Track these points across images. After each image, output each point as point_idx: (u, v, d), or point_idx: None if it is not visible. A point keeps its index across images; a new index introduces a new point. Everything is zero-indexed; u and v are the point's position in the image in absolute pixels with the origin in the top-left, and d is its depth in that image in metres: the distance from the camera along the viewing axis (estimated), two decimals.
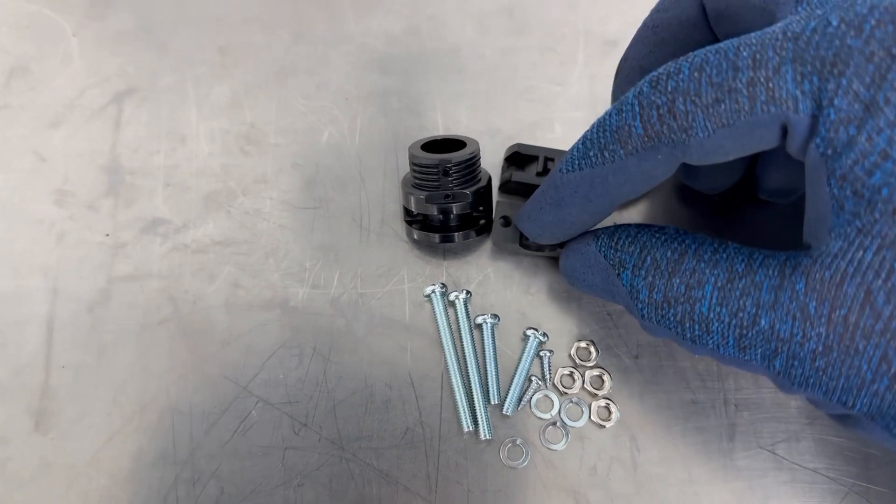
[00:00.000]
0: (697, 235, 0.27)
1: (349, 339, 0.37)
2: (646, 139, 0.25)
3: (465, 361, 0.36)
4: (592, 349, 0.37)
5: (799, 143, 0.23)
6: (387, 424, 0.36)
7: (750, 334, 0.23)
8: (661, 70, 0.25)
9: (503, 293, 0.38)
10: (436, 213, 0.36)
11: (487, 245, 0.39)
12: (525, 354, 0.36)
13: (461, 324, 0.37)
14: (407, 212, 0.38)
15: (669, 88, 0.24)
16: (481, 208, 0.37)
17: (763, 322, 0.23)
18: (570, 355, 0.37)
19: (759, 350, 0.23)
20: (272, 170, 0.41)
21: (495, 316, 0.37)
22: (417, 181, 0.36)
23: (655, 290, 0.26)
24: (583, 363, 0.36)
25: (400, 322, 0.38)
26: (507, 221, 0.37)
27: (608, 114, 0.26)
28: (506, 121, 0.42)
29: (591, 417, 0.36)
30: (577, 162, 0.28)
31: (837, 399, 0.23)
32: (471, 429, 0.35)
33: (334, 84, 0.43)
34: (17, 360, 0.37)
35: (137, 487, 0.35)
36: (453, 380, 0.36)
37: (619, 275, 0.28)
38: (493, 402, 0.36)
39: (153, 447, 0.35)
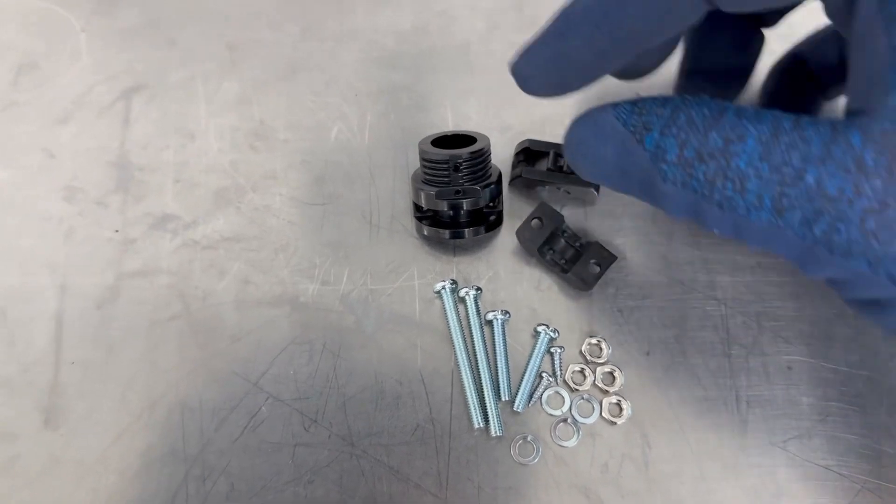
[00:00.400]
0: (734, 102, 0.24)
1: (359, 335, 0.37)
2: None
3: (476, 358, 0.36)
4: (604, 346, 0.36)
5: None
6: (397, 421, 0.36)
7: (792, 193, 0.21)
8: None
9: (514, 289, 0.38)
10: (446, 209, 0.36)
11: (498, 241, 0.39)
12: (536, 351, 0.36)
13: (471, 320, 0.37)
14: (417, 208, 0.38)
15: None
16: (492, 204, 0.37)
17: (809, 177, 0.20)
18: (581, 352, 0.37)
19: (799, 212, 0.21)
20: (281, 166, 0.41)
21: (506, 312, 0.37)
22: (428, 177, 0.36)
23: (687, 146, 0.23)
24: (594, 360, 0.36)
25: (410, 318, 0.37)
26: (540, 222, 0.37)
27: None
28: (516, 117, 0.41)
29: (603, 414, 0.36)
30: None
31: (885, 270, 0.20)
32: (481, 425, 0.35)
33: (343, 80, 0.43)
34: (27, 356, 0.37)
35: (147, 484, 0.35)
36: (464, 376, 0.36)
37: (640, 140, 0.24)
38: (503, 399, 0.36)
39: (162, 444, 0.35)
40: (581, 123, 0.27)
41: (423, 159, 0.36)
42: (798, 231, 0.21)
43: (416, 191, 0.36)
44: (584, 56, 0.26)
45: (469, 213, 0.37)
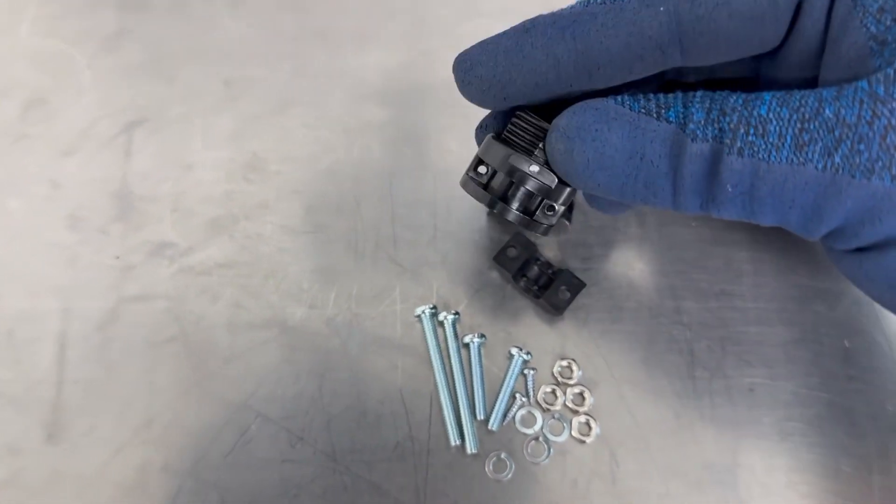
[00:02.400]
0: None
1: (344, 357, 0.39)
2: None
3: (454, 379, 0.38)
4: (574, 367, 0.38)
5: None
6: (378, 438, 0.37)
7: (812, 126, 0.22)
8: None
9: (490, 314, 0.40)
10: (507, 179, 0.30)
11: (476, 268, 0.41)
12: (510, 372, 0.38)
13: (449, 343, 0.39)
14: (477, 164, 0.32)
15: None
16: (550, 211, 0.32)
17: (828, 111, 0.22)
18: (553, 373, 0.39)
19: (820, 143, 0.22)
20: (273, 196, 0.43)
21: (482, 335, 0.39)
22: (510, 137, 0.30)
23: (713, 109, 0.24)
24: (565, 381, 0.38)
25: (392, 341, 0.39)
26: (515, 251, 0.39)
27: None
28: None
29: (573, 433, 0.37)
30: None
31: None
32: (458, 443, 0.37)
33: (333, 115, 0.45)
34: (31, 375, 0.39)
35: (143, 498, 0.36)
36: (442, 396, 0.38)
37: (659, 116, 0.24)
38: (479, 418, 0.37)
39: (158, 459, 0.37)
40: (580, 111, 0.26)
41: (517, 113, 0.30)
42: (818, 163, 0.22)
43: (488, 145, 0.31)
44: (539, 58, 0.26)
45: (525, 199, 0.31)
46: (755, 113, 0.23)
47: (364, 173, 0.43)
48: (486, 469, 0.37)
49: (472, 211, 0.42)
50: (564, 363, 0.38)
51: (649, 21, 0.25)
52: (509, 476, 0.37)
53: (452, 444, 0.37)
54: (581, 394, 0.38)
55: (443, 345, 0.39)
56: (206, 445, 0.37)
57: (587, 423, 0.37)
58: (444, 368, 0.38)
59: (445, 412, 0.37)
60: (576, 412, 0.38)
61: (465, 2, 0.50)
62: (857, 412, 0.38)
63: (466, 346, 0.39)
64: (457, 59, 0.29)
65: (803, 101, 0.22)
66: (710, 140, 0.23)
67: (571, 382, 0.38)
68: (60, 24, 0.48)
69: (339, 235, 0.42)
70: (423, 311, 0.39)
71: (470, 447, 0.37)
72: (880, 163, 0.22)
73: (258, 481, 0.37)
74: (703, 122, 0.23)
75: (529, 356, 0.39)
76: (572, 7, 0.26)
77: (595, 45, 0.25)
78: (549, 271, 0.39)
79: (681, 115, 0.24)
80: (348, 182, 0.43)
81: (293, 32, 0.48)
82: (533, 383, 0.38)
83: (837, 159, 0.22)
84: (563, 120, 0.26)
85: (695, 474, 0.37)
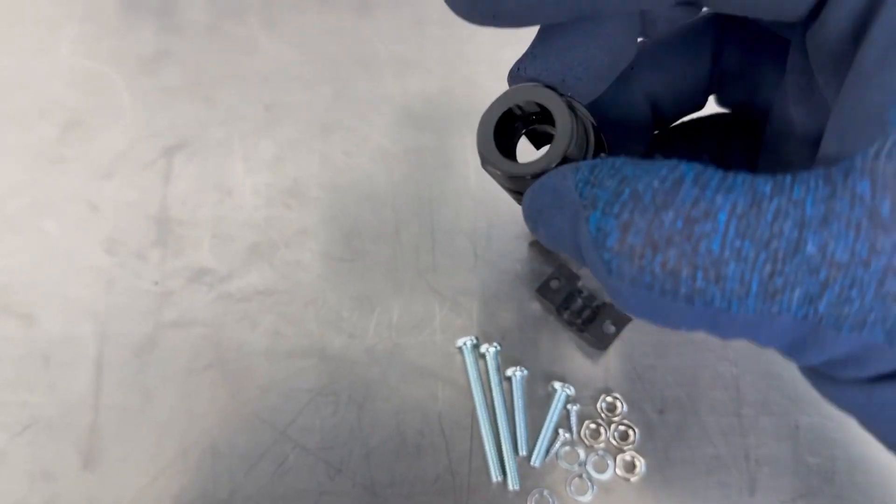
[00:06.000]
0: (696, 163, 0.18)
1: (383, 387, 0.39)
2: None
3: (495, 413, 0.38)
4: (619, 403, 0.38)
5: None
6: (418, 471, 0.37)
7: (789, 269, 0.16)
8: None
9: (532, 346, 0.39)
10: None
11: (517, 297, 0.40)
12: (553, 407, 0.38)
13: (491, 376, 0.38)
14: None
15: None
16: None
17: (811, 246, 0.16)
18: (596, 409, 0.38)
19: (798, 291, 0.16)
20: (312, 222, 0.43)
21: (524, 369, 0.38)
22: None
23: (632, 231, 0.17)
24: (609, 417, 0.38)
25: (432, 371, 0.39)
26: (559, 283, 0.39)
27: None
28: None
29: (617, 470, 0.37)
30: None
31: None
32: (499, 479, 0.37)
33: (373, 141, 0.45)
34: (68, 400, 0.39)
35: None
36: (483, 430, 0.37)
37: (586, 219, 0.18)
38: (521, 454, 0.37)
39: (194, 488, 0.37)
40: (540, 189, 0.22)
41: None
42: (797, 312, 0.17)
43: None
44: None
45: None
46: (703, 248, 0.17)
47: (403, 200, 0.43)
48: None
49: (513, 240, 0.42)
50: (609, 399, 0.38)
51: None
52: None
53: (494, 479, 0.37)
54: (626, 430, 0.37)
55: (484, 377, 0.39)
56: (243, 475, 0.37)
57: (632, 461, 0.37)
58: (485, 402, 0.38)
59: (487, 447, 0.37)
60: (620, 449, 0.37)
61: (504, 30, 0.49)
62: None
63: (508, 379, 0.38)
64: None
65: (777, 230, 0.16)
66: (630, 282, 0.18)
67: (616, 419, 0.38)
68: (99, 45, 0.48)
69: (378, 263, 0.42)
70: (465, 343, 0.39)
71: (512, 483, 0.36)
72: (875, 314, 0.16)
73: None
74: (617, 251, 0.18)
75: (572, 391, 0.38)
76: None
77: None
78: (594, 304, 0.39)
79: (597, 226, 0.18)
80: (388, 209, 0.43)
81: (334, 57, 0.48)
82: (576, 419, 0.38)
83: (822, 308, 0.17)
84: (526, 198, 0.23)
85: None
